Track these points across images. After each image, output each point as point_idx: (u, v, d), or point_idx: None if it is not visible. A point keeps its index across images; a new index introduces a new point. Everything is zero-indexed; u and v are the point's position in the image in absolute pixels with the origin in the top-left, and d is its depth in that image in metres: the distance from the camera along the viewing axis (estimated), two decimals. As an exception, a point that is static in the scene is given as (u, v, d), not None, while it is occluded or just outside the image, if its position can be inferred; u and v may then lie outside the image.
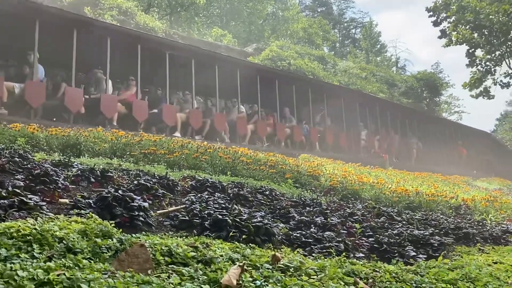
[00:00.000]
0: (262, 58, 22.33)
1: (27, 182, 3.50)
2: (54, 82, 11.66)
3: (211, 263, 2.27)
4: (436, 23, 24.68)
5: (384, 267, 2.89)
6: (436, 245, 4.03)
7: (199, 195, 4.40)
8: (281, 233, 3.61)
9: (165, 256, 2.23)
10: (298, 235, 3.55)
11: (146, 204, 3.27)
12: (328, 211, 4.81)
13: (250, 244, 2.99)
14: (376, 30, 53.13)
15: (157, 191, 4.10)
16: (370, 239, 3.95)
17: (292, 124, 16.41)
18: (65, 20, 10.88)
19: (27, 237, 2.01)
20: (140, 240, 2.36)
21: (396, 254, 3.59)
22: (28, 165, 4.19)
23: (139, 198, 3.39)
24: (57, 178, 3.78)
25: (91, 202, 3.20)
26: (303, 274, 2.31)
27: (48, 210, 2.96)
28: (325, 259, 2.89)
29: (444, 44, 24.96)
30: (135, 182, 4.21)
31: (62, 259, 1.88)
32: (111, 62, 11.40)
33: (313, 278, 2.24)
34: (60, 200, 3.35)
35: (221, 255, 2.42)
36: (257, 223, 3.30)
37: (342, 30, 59.20)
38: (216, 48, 22.06)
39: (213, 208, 3.61)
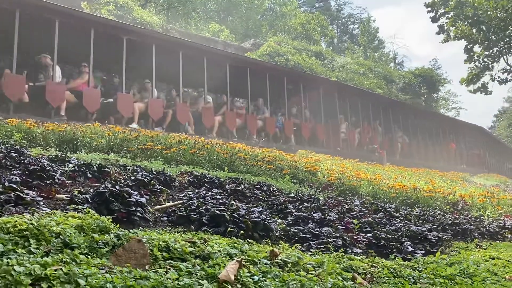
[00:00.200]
0: (260, 54, 22.26)
1: (24, 177, 3.48)
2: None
3: (209, 258, 2.26)
4: (434, 19, 24.62)
5: (382, 262, 2.89)
6: (433, 240, 4.04)
7: (196, 190, 4.39)
8: (279, 229, 3.61)
9: (163, 251, 2.22)
10: (296, 230, 3.55)
11: (143, 200, 3.26)
12: (326, 207, 4.81)
13: (248, 239, 2.99)
14: (374, 25, 53.08)
15: (154, 187, 4.08)
16: (368, 234, 3.95)
17: (264, 116, 15.38)
18: (7, 2, 9.96)
19: (24, 232, 2.00)
20: (137, 236, 2.35)
21: (394, 250, 3.59)
22: (25, 161, 4.17)
23: (136, 193, 3.37)
24: (54, 174, 3.76)
25: (88, 197, 3.18)
26: (301, 270, 2.30)
27: (44, 206, 2.94)
28: (323, 255, 2.89)
29: (442, 40, 24.90)
30: (132, 177, 4.20)
31: (59, 254, 1.87)
32: (62, 48, 10.52)
33: (311, 274, 2.23)
34: (57, 195, 3.33)
35: (219, 251, 2.41)
36: (255, 219, 3.29)
37: (340, 26, 59.10)
38: (214, 44, 21.96)
39: (211, 204, 3.61)
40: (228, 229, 3.10)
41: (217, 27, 31.27)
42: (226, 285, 1.88)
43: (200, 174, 5.21)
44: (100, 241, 2.15)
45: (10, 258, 1.70)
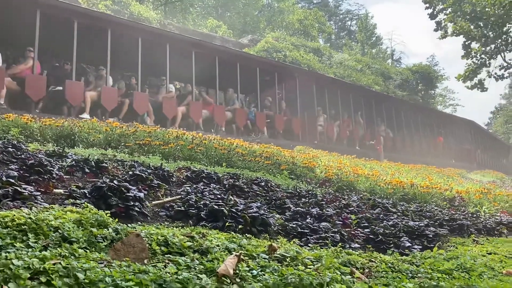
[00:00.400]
0: (258, 50, 22.23)
1: (21, 172, 3.47)
2: None
3: (208, 252, 2.26)
4: (432, 16, 24.65)
5: (380, 257, 2.90)
6: (431, 236, 4.05)
7: (194, 186, 4.39)
8: (277, 224, 3.61)
9: (161, 245, 2.22)
10: (294, 225, 3.55)
11: (141, 195, 3.25)
12: (324, 202, 4.82)
13: (246, 234, 2.99)
14: (372, 22, 53.07)
15: (152, 182, 4.08)
16: (366, 230, 3.96)
17: (234, 107, 14.41)
18: None
19: (22, 227, 1.99)
20: (136, 230, 2.34)
21: (392, 245, 3.60)
22: (22, 156, 4.16)
23: (134, 188, 3.37)
24: (52, 169, 3.75)
25: (86, 192, 3.18)
26: (299, 264, 2.31)
27: (42, 200, 2.94)
28: (322, 250, 2.89)
29: (440, 36, 24.95)
30: (130, 172, 4.19)
31: (58, 248, 1.87)
32: (3, 30, 9.98)
33: (310, 268, 2.24)
34: (54, 190, 3.32)
35: (218, 245, 2.41)
36: (253, 214, 3.30)
37: (338, 22, 59.05)
38: (212, 39, 21.90)
39: (209, 199, 3.61)
40: (227, 224, 3.10)
41: (214, 23, 31.21)
42: (225, 279, 1.88)
43: (198, 170, 5.20)
44: (98, 236, 2.15)
45: (9, 252, 1.70)
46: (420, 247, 3.70)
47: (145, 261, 2.04)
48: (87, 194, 3.14)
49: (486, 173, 19.98)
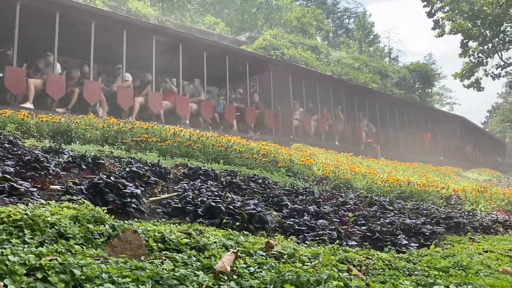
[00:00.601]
0: (256, 47, 22.19)
1: (18, 168, 3.45)
2: None
3: (205, 249, 2.26)
4: (430, 14, 24.65)
5: (377, 255, 2.91)
6: (427, 234, 4.06)
7: (191, 182, 4.38)
8: (274, 221, 3.61)
9: (158, 242, 2.21)
10: (292, 223, 3.55)
11: (138, 191, 3.24)
12: (321, 199, 4.82)
13: (243, 231, 2.99)
14: (370, 20, 53.07)
15: (149, 179, 4.07)
16: (363, 227, 3.96)
17: (199, 99, 13.63)
18: None
19: (18, 222, 1.98)
20: (132, 226, 2.33)
21: (389, 243, 3.61)
22: (18, 152, 4.13)
23: (131, 185, 3.36)
24: (48, 165, 3.73)
25: (82, 188, 3.17)
26: (297, 261, 2.31)
27: (39, 196, 2.93)
28: (319, 247, 2.89)
29: (437, 34, 24.92)
30: (127, 169, 4.18)
31: (54, 245, 1.86)
32: None
33: (307, 265, 2.23)
34: (51, 186, 3.31)
35: (215, 242, 2.41)
36: (251, 211, 3.29)
37: (336, 20, 59.00)
38: (209, 36, 21.83)
39: (206, 196, 3.60)
40: (224, 221, 3.10)
41: (212, 20, 31.14)
42: (222, 276, 1.87)
43: (195, 167, 5.19)
44: (95, 232, 2.14)
45: (4, 248, 1.69)
46: (417, 244, 3.70)
47: (142, 258, 2.03)
48: (83, 191, 3.13)
49: (483, 172, 20.06)
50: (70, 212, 2.29)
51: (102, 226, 2.23)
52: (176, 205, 3.41)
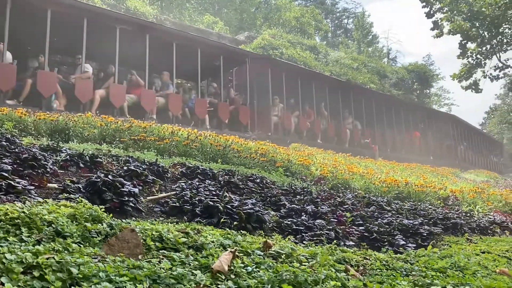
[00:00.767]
0: (254, 47, 22.17)
1: (15, 166, 3.44)
2: None
3: (202, 249, 2.25)
4: (429, 15, 24.67)
5: (375, 255, 2.91)
6: (425, 234, 4.07)
7: (189, 182, 4.37)
8: (272, 221, 3.61)
9: (156, 241, 2.21)
10: (289, 222, 3.55)
11: (136, 190, 3.23)
12: (319, 199, 4.82)
13: (241, 231, 2.98)
14: (368, 20, 53.15)
15: (147, 177, 4.06)
16: (361, 227, 3.97)
17: (167, 92, 12.89)
18: None
19: (15, 221, 1.97)
20: (130, 225, 2.33)
21: (386, 243, 3.61)
22: (16, 149, 4.12)
23: (129, 183, 3.35)
24: (46, 163, 3.72)
25: (80, 187, 3.16)
26: (294, 261, 2.31)
27: (36, 195, 2.92)
28: (316, 247, 2.89)
29: (435, 34, 24.92)
30: (125, 168, 4.17)
31: (51, 243, 1.85)
32: None
33: (305, 265, 2.23)
34: (48, 184, 3.30)
35: (212, 241, 2.40)
36: (248, 210, 3.29)
37: (335, 20, 59.03)
38: (208, 35, 21.83)
39: (204, 195, 3.60)
40: (222, 220, 3.10)
41: (211, 19, 31.10)
42: (220, 276, 1.87)
43: (193, 166, 5.19)
44: (92, 230, 2.14)
45: (1, 246, 1.68)
46: (414, 245, 3.71)
47: (140, 257, 2.02)
48: (81, 189, 3.12)
49: (480, 173, 20.11)
50: (68, 211, 2.29)
51: (99, 224, 2.23)
52: (174, 204, 3.41)
